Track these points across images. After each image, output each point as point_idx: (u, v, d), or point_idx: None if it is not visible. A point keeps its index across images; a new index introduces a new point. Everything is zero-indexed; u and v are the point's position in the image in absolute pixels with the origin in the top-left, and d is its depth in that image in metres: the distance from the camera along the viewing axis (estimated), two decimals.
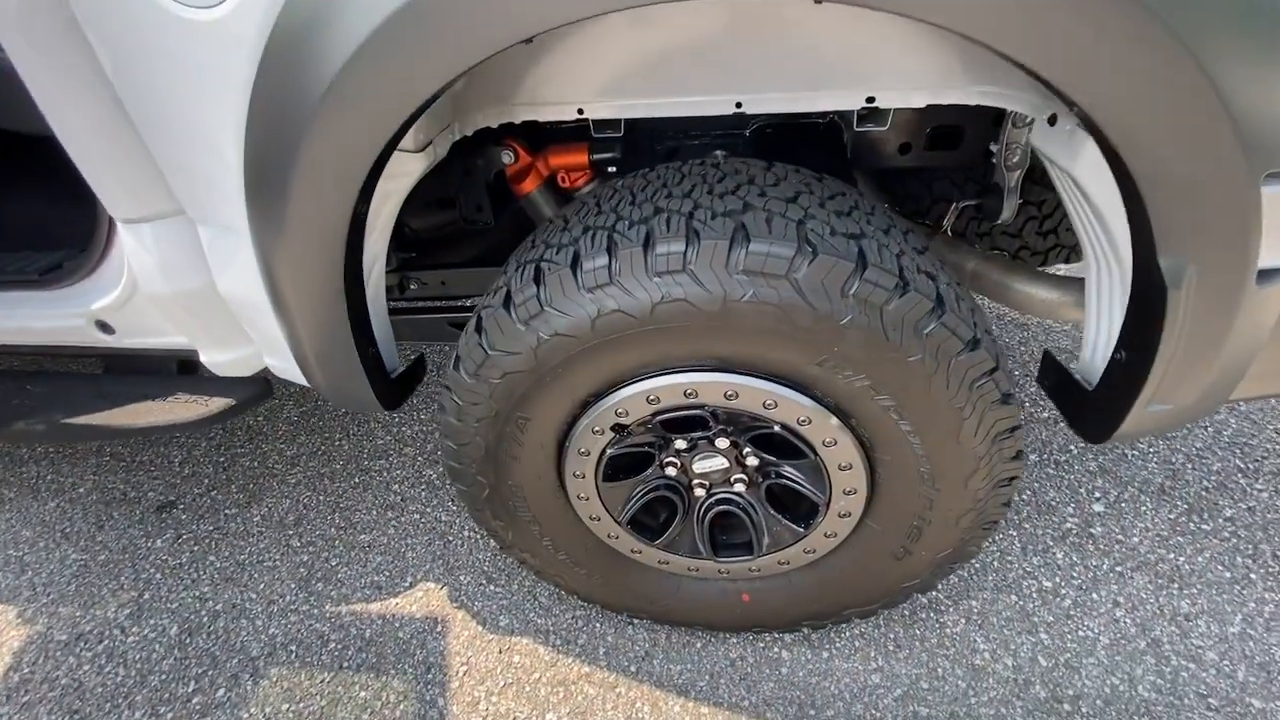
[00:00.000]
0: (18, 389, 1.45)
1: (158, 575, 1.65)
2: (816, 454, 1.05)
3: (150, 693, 1.41)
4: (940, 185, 1.58)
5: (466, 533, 1.70)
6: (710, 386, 1.01)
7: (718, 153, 1.29)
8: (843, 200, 0.98)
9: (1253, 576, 1.45)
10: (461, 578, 1.60)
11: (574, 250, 0.94)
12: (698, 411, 1.05)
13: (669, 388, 1.02)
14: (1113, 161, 0.75)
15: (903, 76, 1.02)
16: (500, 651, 1.44)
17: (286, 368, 1.22)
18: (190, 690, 1.41)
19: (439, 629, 1.49)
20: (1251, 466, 1.69)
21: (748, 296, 0.87)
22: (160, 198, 1.03)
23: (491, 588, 1.57)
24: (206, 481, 1.89)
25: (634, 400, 1.04)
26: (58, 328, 1.34)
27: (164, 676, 1.44)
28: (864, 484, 1.08)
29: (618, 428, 1.09)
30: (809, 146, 1.32)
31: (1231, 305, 0.78)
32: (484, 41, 0.74)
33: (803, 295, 0.86)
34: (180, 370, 1.46)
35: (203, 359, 1.28)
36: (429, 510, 1.76)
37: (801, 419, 1.01)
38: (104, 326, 1.32)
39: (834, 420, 1.00)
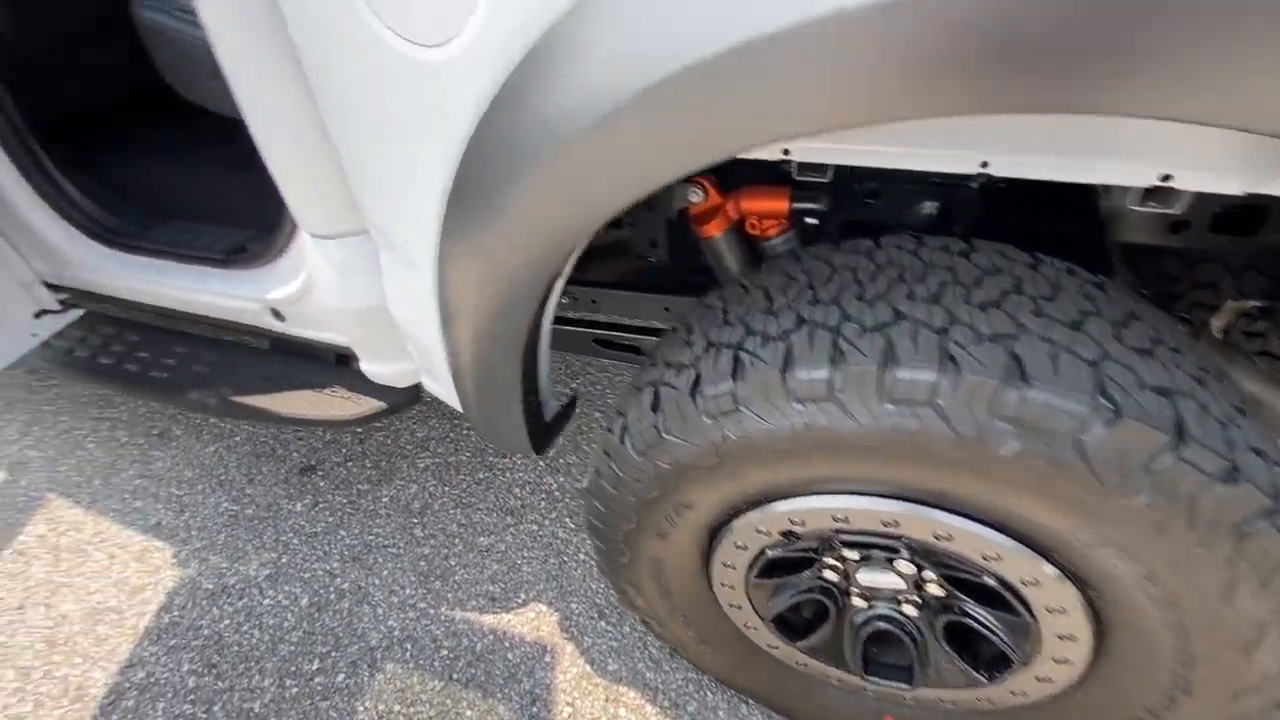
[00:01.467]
0: (196, 355, 1.53)
1: (295, 540, 1.73)
2: (1033, 615, 0.87)
3: (280, 662, 1.48)
4: (1207, 268, 1.28)
5: (582, 556, 1.65)
6: (919, 523, 0.85)
7: (964, 241, 1.03)
8: (1141, 329, 0.76)
9: None
10: (573, 605, 1.55)
11: (786, 347, 0.80)
12: (890, 541, 0.90)
13: (865, 513, 0.87)
14: None
15: (1214, 153, 0.76)
16: (606, 700, 1.38)
17: (442, 391, 1.18)
18: (315, 668, 1.47)
19: (547, 659, 1.46)
20: None
21: (1013, 447, 0.70)
22: (349, 220, 0.99)
23: (602, 624, 1.51)
24: (344, 451, 1.96)
25: (817, 514, 0.90)
26: (235, 308, 1.37)
27: (292, 648, 1.51)
28: (1083, 659, 0.89)
29: (788, 534, 0.96)
30: (1053, 210, 1.09)
31: None
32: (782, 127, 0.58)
33: (1088, 463, 0.68)
34: (337, 361, 1.47)
35: (362, 366, 1.27)
36: (546, 523, 1.73)
37: (1027, 579, 0.83)
38: (277, 314, 1.34)
39: (1072, 589, 0.82)
